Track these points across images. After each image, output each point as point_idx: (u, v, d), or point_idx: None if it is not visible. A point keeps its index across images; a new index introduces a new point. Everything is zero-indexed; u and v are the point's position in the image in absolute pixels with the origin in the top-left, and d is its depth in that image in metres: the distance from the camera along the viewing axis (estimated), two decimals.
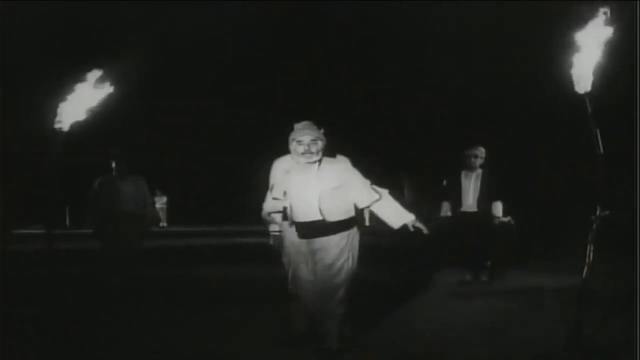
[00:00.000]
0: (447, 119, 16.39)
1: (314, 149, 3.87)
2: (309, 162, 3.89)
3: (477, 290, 6.46)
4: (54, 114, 3.95)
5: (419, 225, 3.99)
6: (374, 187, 4.03)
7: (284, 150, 4.39)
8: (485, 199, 6.72)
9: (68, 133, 3.99)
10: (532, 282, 6.95)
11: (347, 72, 16.91)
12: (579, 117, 3.77)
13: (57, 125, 3.95)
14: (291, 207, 3.94)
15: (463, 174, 6.86)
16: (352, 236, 3.98)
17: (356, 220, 4.04)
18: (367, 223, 4.41)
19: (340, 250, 3.91)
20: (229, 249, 12.21)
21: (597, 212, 3.72)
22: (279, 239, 4.30)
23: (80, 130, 4.09)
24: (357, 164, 4.42)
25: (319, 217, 3.87)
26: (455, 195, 6.85)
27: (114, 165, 6.23)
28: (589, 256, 3.70)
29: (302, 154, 3.87)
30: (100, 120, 4.37)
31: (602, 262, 3.81)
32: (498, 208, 6.77)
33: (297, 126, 3.94)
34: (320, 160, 3.93)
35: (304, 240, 3.94)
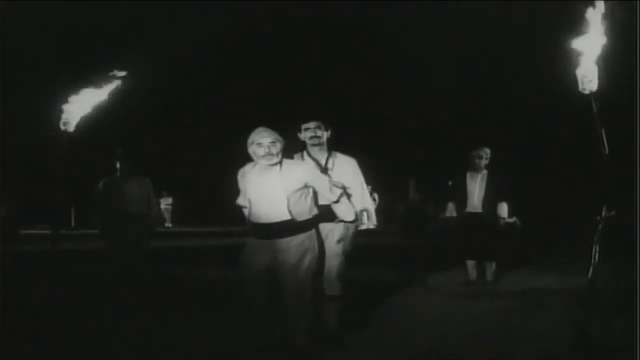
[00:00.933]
0: (451, 120, 16.38)
1: (274, 150, 3.92)
2: (270, 164, 3.93)
3: (481, 290, 6.46)
4: (59, 115, 3.96)
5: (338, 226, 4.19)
6: (334, 182, 4.12)
7: (292, 150, 4.40)
8: (490, 199, 6.72)
9: (73, 134, 4.00)
10: (536, 282, 6.95)
11: (349, 73, 16.92)
12: (584, 117, 3.77)
13: (62, 126, 3.97)
14: (251, 209, 3.99)
15: (468, 174, 6.85)
16: (313, 236, 4.03)
17: (319, 218, 4.10)
18: (374, 222, 4.40)
19: (305, 249, 3.96)
20: (233, 249, 12.16)
21: (603, 213, 3.71)
22: None
23: (85, 130, 4.11)
24: (361, 164, 4.44)
25: (287, 217, 3.91)
26: (460, 196, 6.84)
27: (118, 165, 6.24)
28: (595, 257, 3.69)
29: (263, 156, 3.92)
30: (105, 121, 4.39)
31: (606, 262, 3.80)
32: (503, 209, 6.76)
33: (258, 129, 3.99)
34: (281, 162, 3.98)
35: (265, 242, 3.97)
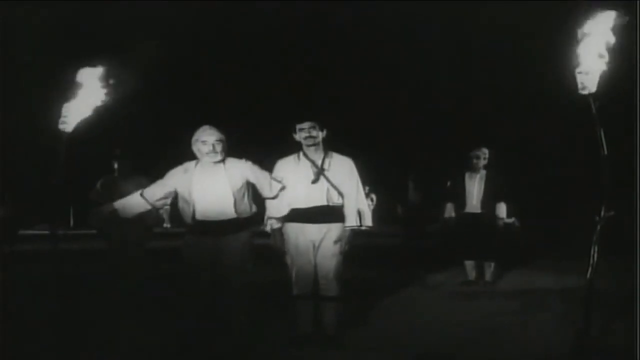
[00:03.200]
0: (451, 120, 16.38)
1: (218, 148, 4.03)
2: (214, 162, 4.03)
3: (480, 291, 6.46)
4: (58, 115, 3.95)
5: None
6: (274, 177, 4.21)
7: (287, 151, 4.39)
8: (489, 200, 6.71)
9: (72, 134, 3.99)
10: (535, 282, 6.95)
11: (349, 73, 16.91)
12: (583, 117, 3.76)
13: (61, 126, 3.96)
14: (196, 207, 4.05)
15: (467, 175, 6.85)
16: (250, 234, 4.16)
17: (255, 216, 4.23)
18: (369, 223, 4.38)
19: (249, 247, 4.11)
20: None
21: (602, 213, 3.71)
22: (280, 237, 4.30)
23: (84, 131, 4.10)
24: (360, 164, 4.43)
25: (233, 216, 4.02)
26: (459, 196, 6.84)
27: (116, 166, 6.23)
28: (593, 257, 3.69)
29: (207, 153, 4.03)
30: (104, 121, 4.38)
31: (608, 262, 3.80)
32: (502, 209, 6.76)
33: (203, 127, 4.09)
34: (224, 160, 4.08)
35: (208, 240, 4.04)
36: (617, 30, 3.53)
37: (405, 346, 4.23)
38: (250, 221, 4.14)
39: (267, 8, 13.94)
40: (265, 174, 4.20)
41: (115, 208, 4.26)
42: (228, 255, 4.01)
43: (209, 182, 4.04)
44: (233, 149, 4.22)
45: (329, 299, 4.22)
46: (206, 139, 4.01)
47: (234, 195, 4.01)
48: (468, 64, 14.64)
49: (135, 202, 4.25)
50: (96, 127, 4.31)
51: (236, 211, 4.02)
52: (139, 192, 4.29)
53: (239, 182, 4.05)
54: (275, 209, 4.24)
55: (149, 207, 4.27)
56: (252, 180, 4.12)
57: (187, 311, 4.14)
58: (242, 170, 4.10)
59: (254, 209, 4.17)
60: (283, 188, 4.19)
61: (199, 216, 4.05)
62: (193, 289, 4.08)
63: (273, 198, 4.20)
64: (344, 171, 4.30)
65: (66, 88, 3.94)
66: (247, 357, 4.08)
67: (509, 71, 13.18)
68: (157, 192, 4.21)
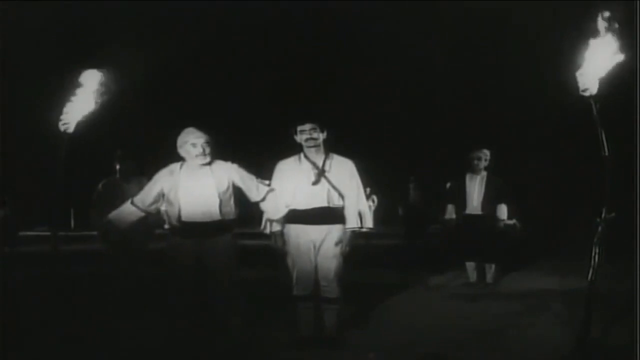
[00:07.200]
0: (451, 122, 16.39)
1: (207, 150, 4.05)
2: (204, 163, 4.05)
3: (481, 292, 6.45)
4: (60, 115, 3.95)
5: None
6: (260, 180, 4.21)
7: (288, 152, 4.38)
8: (489, 201, 6.71)
9: (73, 134, 3.99)
10: (536, 284, 6.94)
11: (351, 74, 16.92)
12: (585, 118, 3.76)
13: (62, 127, 3.96)
14: (182, 209, 4.04)
15: (468, 176, 6.84)
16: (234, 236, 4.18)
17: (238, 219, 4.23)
18: (370, 225, 4.37)
19: (233, 249, 4.12)
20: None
21: (603, 215, 3.71)
22: (281, 239, 4.29)
23: (85, 131, 4.10)
24: (361, 165, 4.42)
25: (218, 217, 4.02)
26: (460, 197, 6.84)
27: (117, 167, 6.22)
28: (594, 258, 3.69)
29: (197, 155, 4.04)
30: (105, 122, 4.38)
31: (609, 263, 3.80)
32: (503, 210, 6.75)
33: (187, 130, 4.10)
34: (211, 162, 4.09)
35: (192, 242, 4.03)
36: (618, 31, 3.53)
37: (406, 347, 4.23)
38: (234, 223, 4.14)
39: (269, 8, 13.95)
40: (252, 177, 4.19)
41: (109, 219, 4.28)
42: (213, 256, 4.02)
43: (195, 184, 4.04)
44: (234, 150, 4.21)
45: (329, 300, 4.21)
46: (196, 141, 4.01)
47: (219, 197, 4.02)
48: (470, 65, 14.66)
49: (128, 211, 4.27)
50: (98, 128, 4.32)
51: (221, 213, 4.02)
52: (129, 201, 4.29)
53: (225, 184, 4.06)
54: (273, 210, 4.23)
55: (142, 213, 4.27)
56: (238, 182, 4.12)
57: (179, 312, 4.13)
58: (228, 172, 4.11)
59: (236, 212, 4.16)
60: (271, 190, 4.19)
61: (184, 217, 4.05)
62: (179, 290, 4.07)
63: (261, 201, 4.19)
64: (344, 173, 4.29)
65: (67, 88, 3.95)
66: (246, 358, 4.08)
67: (511, 73, 13.19)
68: (146, 198, 4.22)
